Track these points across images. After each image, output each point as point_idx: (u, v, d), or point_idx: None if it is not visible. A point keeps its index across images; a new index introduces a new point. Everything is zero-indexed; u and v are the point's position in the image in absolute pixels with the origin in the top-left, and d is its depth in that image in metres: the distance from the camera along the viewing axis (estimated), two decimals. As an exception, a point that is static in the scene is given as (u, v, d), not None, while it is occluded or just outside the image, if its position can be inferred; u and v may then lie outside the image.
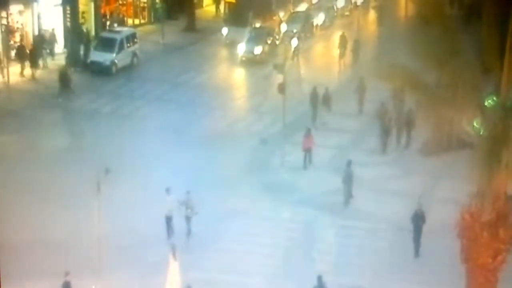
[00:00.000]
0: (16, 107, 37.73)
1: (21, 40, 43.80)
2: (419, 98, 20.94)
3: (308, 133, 32.96)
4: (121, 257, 24.69)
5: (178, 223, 26.31)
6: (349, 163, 29.54)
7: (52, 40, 44.71)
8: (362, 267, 25.31)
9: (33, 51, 42.43)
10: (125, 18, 52.76)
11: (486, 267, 19.50)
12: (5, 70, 39.55)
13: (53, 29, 44.98)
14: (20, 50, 42.50)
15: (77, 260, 23.96)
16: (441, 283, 23.71)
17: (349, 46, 47.66)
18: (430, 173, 31.55)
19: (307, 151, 32.61)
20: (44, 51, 43.67)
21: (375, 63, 42.23)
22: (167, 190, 26.35)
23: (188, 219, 26.34)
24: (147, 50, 47.51)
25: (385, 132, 33.83)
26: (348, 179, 29.20)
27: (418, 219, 25.61)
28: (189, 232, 26.36)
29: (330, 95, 38.31)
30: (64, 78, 39.62)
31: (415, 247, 25.71)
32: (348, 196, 29.29)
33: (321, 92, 37.90)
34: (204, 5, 60.76)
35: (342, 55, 47.66)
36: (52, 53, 44.44)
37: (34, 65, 42.01)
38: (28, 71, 42.00)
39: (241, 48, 47.28)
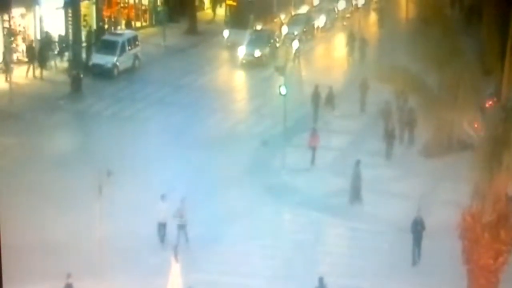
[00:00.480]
0: (18, 109, 37.77)
1: (31, 41, 43.93)
2: (420, 99, 20.97)
3: (314, 133, 33.13)
4: (122, 259, 24.72)
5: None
6: (357, 163, 29.64)
7: (62, 41, 44.82)
8: (363, 268, 25.32)
9: (41, 52, 42.62)
10: (129, 21, 52.84)
11: (487, 268, 19.53)
12: (8, 72, 39.63)
13: (60, 33, 45.22)
14: (29, 50, 42.70)
15: (78, 262, 24.00)
16: (442, 285, 23.72)
17: (357, 44, 47.98)
18: (431, 175, 31.56)
19: (313, 148, 32.76)
20: (50, 53, 43.76)
21: (376, 65, 42.24)
22: (163, 197, 26.09)
23: (181, 227, 25.85)
24: (148, 53, 47.55)
25: (390, 135, 33.63)
26: (356, 179, 29.27)
27: (417, 225, 25.48)
28: (185, 240, 25.84)
29: (334, 94, 38.42)
30: (75, 81, 39.98)
31: (414, 255, 25.54)
32: (356, 195, 29.37)
33: (323, 91, 38.01)
34: (205, 7, 60.78)
35: (350, 53, 47.84)
36: (61, 55, 44.48)
37: (41, 66, 42.24)
38: (32, 72, 42.13)
39: (242, 51, 47.25)
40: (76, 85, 40.32)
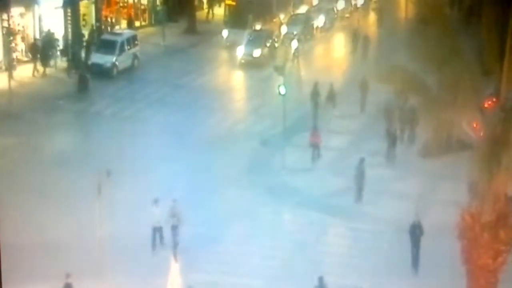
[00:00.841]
0: (18, 109, 37.73)
1: (34, 39, 43.98)
2: (419, 99, 20.99)
3: (315, 130, 33.25)
4: (122, 259, 24.70)
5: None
6: (362, 161, 29.65)
7: (63, 40, 44.94)
8: (363, 268, 25.33)
9: (44, 51, 42.80)
10: (131, 20, 52.91)
11: (486, 268, 19.55)
12: (7, 72, 39.66)
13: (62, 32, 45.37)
14: (33, 49, 42.84)
15: (78, 262, 23.99)
16: (442, 285, 23.71)
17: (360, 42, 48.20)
18: (430, 175, 31.57)
19: (315, 146, 32.88)
20: (53, 51, 43.83)
21: (375, 65, 42.26)
22: (155, 201, 25.64)
23: (174, 228, 25.40)
24: (148, 52, 47.55)
25: (392, 137, 33.38)
26: (360, 177, 29.35)
27: (416, 230, 25.16)
28: (177, 243, 25.33)
29: (335, 91, 38.48)
30: (82, 81, 40.19)
31: (414, 260, 25.19)
32: (360, 194, 29.42)
33: (324, 89, 38.04)
34: (204, 7, 60.73)
35: (353, 50, 47.81)
36: (63, 54, 44.55)
37: (44, 65, 42.42)
38: (33, 71, 42.30)
39: (240, 51, 47.19)
40: (83, 85, 40.42)
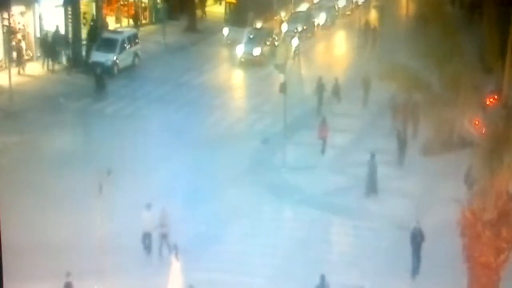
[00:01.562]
0: (19, 107, 37.67)
1: (44, 37, 44.02)
2: (421, 97, 20.96)
3: (323, 123, 33.24)
4: (123, 258, 24.68)
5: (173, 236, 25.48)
6: (373, 156, 29.63)
7: (66, 39, 45.02)
8: (364, 267, 25.28)
9: (53, 49, 43.01)
10: (128, 18, 52.87)
11: (488, 266, 19.53)
12: (15, 70, 39.89)
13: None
14: (42, 47, 43.16)
15: (79, 261, 23.96)
16: (443, 283, 23.66)
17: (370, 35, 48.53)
18: (432, 173, 31.51)
19: (323, 139, 32.92)
20: (62, 48, 43.88)
21: (376, 62, 42.18)
22: (148, 206, 25.23)
23: (164, 236, 25.11)
24: (148, 50, 47.52)
25: (402, 137, 32.94)
26: (372, 172, 29.34)
27: (417, 237, 24.84)
28: (174, 247, 24.58)
29: (340, 86, 38.49)
30: (99, 79, 40.49)
31: (414, 265, 24.92)
32: (372, 188, 29.43)
33: (328, 84, 38.09)
34: (206, 5, 60.61)
35: (364, 44, 47.88)
36: (70, 52, 44.63)
37: (53, 61, 42.77)
38: (31, 70, 42.41)
39: (240, 50, 47.05)
40: (100, 84, 40.52)
